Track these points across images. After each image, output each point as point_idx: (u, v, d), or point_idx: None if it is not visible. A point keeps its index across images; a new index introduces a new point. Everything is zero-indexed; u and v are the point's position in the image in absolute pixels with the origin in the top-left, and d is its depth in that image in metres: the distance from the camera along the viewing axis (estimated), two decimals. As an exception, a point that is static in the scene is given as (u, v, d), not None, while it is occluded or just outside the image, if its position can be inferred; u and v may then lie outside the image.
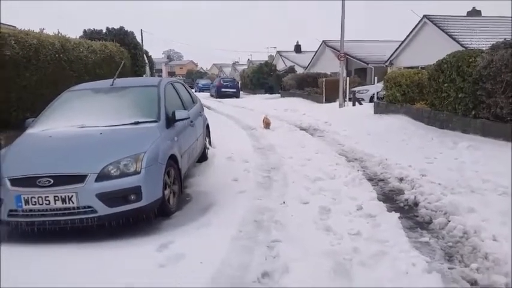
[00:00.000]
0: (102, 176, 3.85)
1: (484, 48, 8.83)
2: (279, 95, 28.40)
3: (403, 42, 21.60)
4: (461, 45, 16.67)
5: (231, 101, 26.97)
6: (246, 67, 49.11)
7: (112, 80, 5.65)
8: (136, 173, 3.97)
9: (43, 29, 8.49)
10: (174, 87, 6.08)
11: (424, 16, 19.49)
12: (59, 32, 9.16)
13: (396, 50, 22.18)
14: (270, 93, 31.50)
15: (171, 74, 79.29)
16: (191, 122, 5.90)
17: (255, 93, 34.24)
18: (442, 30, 18.38)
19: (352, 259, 3.44)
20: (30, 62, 7.40)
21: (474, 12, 22.41)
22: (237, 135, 10.56)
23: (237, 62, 67.92)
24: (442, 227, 4.27)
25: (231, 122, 13.68)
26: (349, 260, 3.43)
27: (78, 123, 4.74)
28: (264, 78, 34.52)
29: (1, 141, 6.65)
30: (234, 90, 31.87)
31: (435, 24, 18.87)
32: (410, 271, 3.18)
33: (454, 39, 17.60)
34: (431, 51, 18.06)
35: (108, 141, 4.31)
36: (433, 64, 9.90)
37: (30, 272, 3.23)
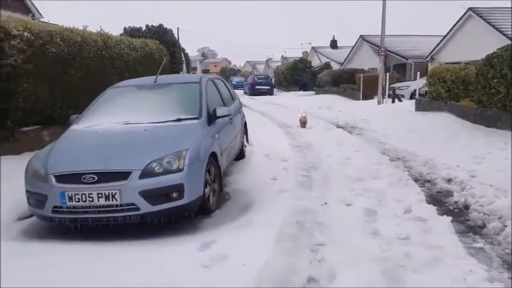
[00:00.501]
0: (146, 173, 3.84)
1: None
2: (314, 92, 28.09)
3: (445, 36, 20.77)
4: (510, 38, 15.82)
5: (265, 98, 26.88)
6: (280, 64, 48.87)
7: (155, 76, 5.68)
8: (179, 170, 3.93)
9: (86, 26, 8.66)
10: (214, 84, 6.04)
11: (469, 9, 18.63)
12: (101, 29, 9.33)
13: (438, 44, 21.35)
14: (304, 90, 31.21)
15: (205, 71, 79.91)
16: (230, 119, 5.84)
17: (289, 90, 34.03)
18: (489, 23, 17.52)
19: (404, 265, 3.25)
20: (74, 59, 7.55)
21: (523, 4, 21.19)
22: (273, 133, 10.42)
23: (271, 58, 67.66)
24: (497, 232, 3.99)
25: (266, 120, 13.57)
26: (402, 266, 3.24)
27: (123, 119, 4.77)
28: (298, 75, 34.20)
29: (46, 137, 6.84)
30: (268, 87, 31.73)
31: (481, 17, 18.01)
32: (468, 279, 2.97)
33: (501, 32, 16.73)
34: (476, 46, 17.24)
35: (152, 138, 4.30)
36: (482, 59, 9.39)
37: (66, 269, 3.23)
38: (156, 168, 3.90)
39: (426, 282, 3.00)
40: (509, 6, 19.16)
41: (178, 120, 4.71)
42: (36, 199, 3.99)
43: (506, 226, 4.00)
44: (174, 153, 4.01)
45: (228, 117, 5.52)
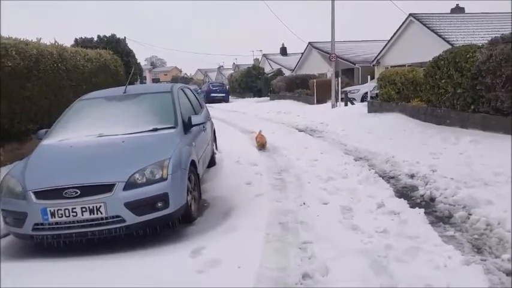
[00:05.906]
0: (130, 184, 3.81)
1: (470, 44, 9.03)
2: (268, 98, 28.49)
3: (389, 41, 21.85)
4: (448, 42, 16.94)
5: (221, 105, 26.96)
6: (232, 71, 49.20)
7: (124, 87, 5.61)
8: (162, 179, 3.94)
9: (40, 38, 8.37)
10: (184, 93, 6.06)
11: (410, 14, 19.77)
12: (55, 41, 9.03)
13: (383, 49, 22.43)
14: (259, 97, 31.60)
15: (155, 80, 78.63)
16: (203, 126, 5.88)
17: (244, 97, 34.32)
18: (428, 27, 18.65)
19: (387, 256, 3.46)
20: (31, 73, 7.28)
21: (458, 10, 22.88)
22: (238, 139, 10.55)
23: (222, 66, 67.91)
24: (463, 220, 4.31)
25: (228, 126, 13.63)
26: (385, 257, 3.44)
27: (96, 132, 4.69)
28: (252, 82, 34.65)
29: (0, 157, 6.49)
30: (224, 94, 31.95)
31: (421, 22, 19.15)
32: (449, 264, 3.22)
33: (440, 36, 17.86)
34: (417, 49, 18.37)
35: (131, 149, 4.27)
36: (429, 61, 10.04)
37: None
38: (139, 179, 3.88)
39: (411, 270, 3.21)
40: (445, 13, 20.65)
41: (155, 130, 4.70)
42: (13, 218, 3.84)
43: (471, 214, 4.34)
44: (157, 163, 4.01)
45: (201, 125, 5.57)
